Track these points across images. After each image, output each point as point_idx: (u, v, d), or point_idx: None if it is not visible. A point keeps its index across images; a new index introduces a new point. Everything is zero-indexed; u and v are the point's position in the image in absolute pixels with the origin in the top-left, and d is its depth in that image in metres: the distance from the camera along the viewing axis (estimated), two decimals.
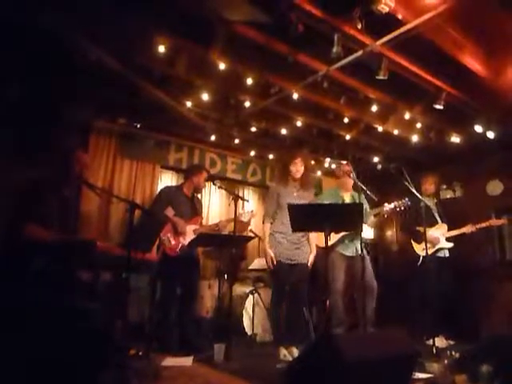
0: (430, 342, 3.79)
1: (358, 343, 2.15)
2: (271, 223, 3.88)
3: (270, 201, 3.94)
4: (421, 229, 4.15)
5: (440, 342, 4.26)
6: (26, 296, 2.22)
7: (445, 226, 4.77)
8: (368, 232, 4.15)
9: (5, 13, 3.00)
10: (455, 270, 4.77)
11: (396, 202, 4.03)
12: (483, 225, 4.65)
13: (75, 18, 3.12)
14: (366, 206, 4.24)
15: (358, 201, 3.80)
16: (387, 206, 4.05)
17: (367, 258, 4.07)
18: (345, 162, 3.93)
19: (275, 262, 3.71)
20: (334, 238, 4.03)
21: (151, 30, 3.31)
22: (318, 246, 3.98)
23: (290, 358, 3.50)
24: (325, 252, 4.08)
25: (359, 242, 4.04)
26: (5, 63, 3.54)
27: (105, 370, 2.26)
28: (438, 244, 4.66)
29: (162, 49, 3.39)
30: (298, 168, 3.87)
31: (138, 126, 5.10)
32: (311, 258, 3.90)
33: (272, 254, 3.73)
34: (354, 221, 3.13)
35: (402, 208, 4.00)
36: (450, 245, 4.71)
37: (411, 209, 4.14)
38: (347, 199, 4.25)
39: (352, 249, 4.08)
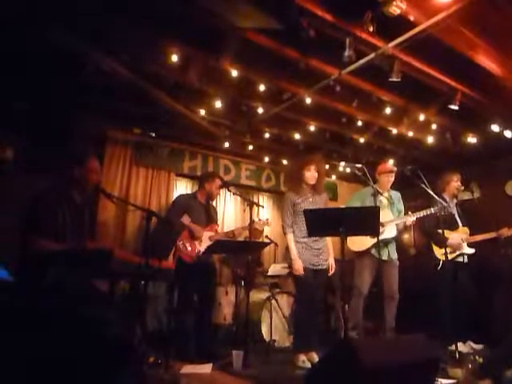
0: (453, 347, 3.70)
1: (377, 349, 2.12)
2: (293, 232, 3.80)
3: (287, 211, 3.86)
4: (441, 232, 4.01)
5: (466, 347, 4.13)
6: (43, 307, 2.24)
7: (466, 230, 4.52)
8: (393, 232, 4.09)
9: (17, 27, 3.08)
10: (476, 274, 4.60)
11: (430, 209, 3.98)
12: (506, 234, 4.39)
13: (87, 29, 3.19)
14: (401, 207, 4.26)
15: (394, 201, 3.71)
16: (412, 216, 4.03)
17: (397, 263, 4.06)
18: (360, 165, 3.88)
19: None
20: (371, 241, 4.01)
21: (163, 40, 3.35)
22: (352, 250, 4.06)
23: (309, 365, 3.46)
24: (356, 255, 4.15)
25: (393, 245, 4.01)
26: (16, 76, 3.62)
27: (124, 379, 2.27)
28: (460, 250, 4.42)
29: (174, 58, 3.43)
30: (313, 174, 3.85)
31: (153, 135, 5.17)
32: (332, 261, 3.87)
33: (300, 263, 3.65)
34: (370, 224, 3.09)
35: (442, 212, 3.94)
36: (472, 251, 4.45)
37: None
38: (384, 200, 4.16)
39: (385, 252, 4.04)
